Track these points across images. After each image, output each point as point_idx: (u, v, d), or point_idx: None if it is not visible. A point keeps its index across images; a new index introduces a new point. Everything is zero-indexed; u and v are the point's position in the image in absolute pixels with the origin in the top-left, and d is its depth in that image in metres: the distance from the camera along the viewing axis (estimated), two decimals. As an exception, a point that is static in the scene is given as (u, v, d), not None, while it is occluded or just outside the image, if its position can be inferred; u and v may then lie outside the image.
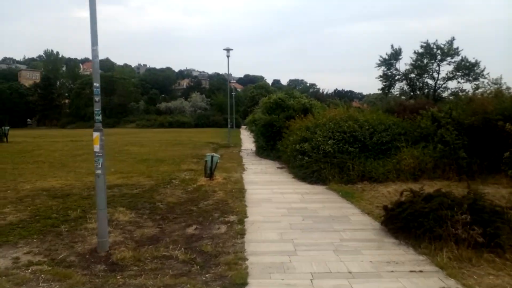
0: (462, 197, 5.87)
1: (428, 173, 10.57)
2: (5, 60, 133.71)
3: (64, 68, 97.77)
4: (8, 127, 23.89)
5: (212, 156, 10.40)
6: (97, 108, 5.24)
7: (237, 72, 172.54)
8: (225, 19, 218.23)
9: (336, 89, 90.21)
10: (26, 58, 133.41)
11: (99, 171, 5.23)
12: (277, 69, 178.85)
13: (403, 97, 22.38)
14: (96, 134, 5.18)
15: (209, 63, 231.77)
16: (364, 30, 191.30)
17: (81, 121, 69.04)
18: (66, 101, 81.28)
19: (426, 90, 23.20)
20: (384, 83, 24.67)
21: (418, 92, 23.35)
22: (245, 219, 6.66)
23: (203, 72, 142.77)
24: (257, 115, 18.46)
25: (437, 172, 10.55)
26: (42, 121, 79.63)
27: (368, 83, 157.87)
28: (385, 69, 24.22)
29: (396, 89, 24.43)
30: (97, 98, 5.22)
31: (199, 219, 6.69)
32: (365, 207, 7.65)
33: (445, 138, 10.67)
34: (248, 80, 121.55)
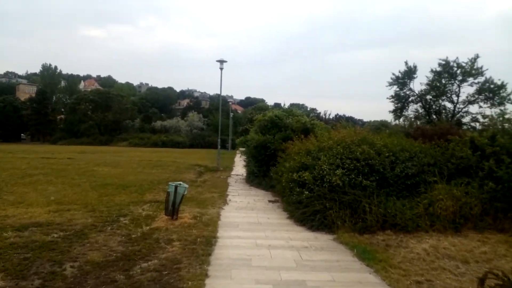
0: None
1: (473, 221, 7.67)
2: (6, 74, 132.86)
3: (63, 84, 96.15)
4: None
5: (176, 187, 7.51)
6: None
7: (239, 94, 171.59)
8: (231, 43, 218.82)
9: (337, 114, 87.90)
10: (29, 72, 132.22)
11: None
12: (278, 93, 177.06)
13: (418, 121, 19.72)
14: None
15: (211, 84, 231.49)
16: (367, 57, 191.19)
17: (73, 137, 66.47)
18: (62, 116, 78.69)
19: (444, 114, 20.55)
20: (396, 105, 21.97)
21: (434, 116, 20.67)
22: (195, 311, 3.73)
23: (205, 93, 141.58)
24: (249, 135, 15.68)
25: (486, 221, 7.65)
26: (36, 136, 77.05)
27: (368, 110, 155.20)
28: (397, 89, 21.63)
29: (410, 112, 21.78)
30: None
31: (114, 308, 3.76)
32: (399, 284, 4.71)
33: (497, 173, 7.83)
34: (249, 103, 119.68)
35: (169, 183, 7.71)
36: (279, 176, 11.03)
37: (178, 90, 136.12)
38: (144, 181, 13.32)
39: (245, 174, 17.21)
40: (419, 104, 21.51)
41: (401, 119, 21.64)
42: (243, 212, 9.18)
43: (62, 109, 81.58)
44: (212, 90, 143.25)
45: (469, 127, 19.56)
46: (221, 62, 21.25)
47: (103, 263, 5.06)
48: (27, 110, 74.15)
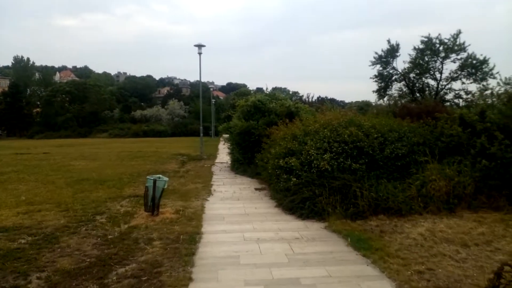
0: None
1: (467, 200, 7.44)
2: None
3: (38, 76, 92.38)
4: None
5: (155, 181, 6.98)
6: None
7: (220, 80, 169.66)
8: (211, 28, 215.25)
9: (320, 96, 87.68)
10: (0, 66, 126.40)
11: None
12: (260, 77, 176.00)
13: (402, 100, 19.49)
14: None
15: (192, 71, 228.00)
16: (348, 38, 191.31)
17: (50, 130, 64.28)
18: (38, 110, 75.64)
19: (428, 92, 20.39)
20: (379, 84, 21.65)
21: (418, 94, 20.48)
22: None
23: (185, 79, 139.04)
24: (232, 121, 15.15)
25: (480, 199, 7.43)
26: (12, 131, 73.94)
27: (349, 91, 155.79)
28: (380, 68, 21.27)
29: (393, 91, 21.49)
30: None
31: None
32: (400, 276, 4.37)
33: (490, 150, 7.58)
34: (231, 88, 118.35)
35: (147, 176, 7.18)
36: (265, 163, 10.62)
37: (157, 78, 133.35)
38: (123, 174, 12.70)
39: (229, 162, 16.75)
40: (403, 82, 21.22)
41: (385, 99, 21.41)
42: (228, 203, 8.73)
43: (38, 102, 78.45)
44: (192, 77, 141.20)
45: (453, 103, 19.47)
46: (199, 46, 20.45)
47: (75, 271, 4.54)
48: (1, 105, 71.07)
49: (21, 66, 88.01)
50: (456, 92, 20.24)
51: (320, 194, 7.47)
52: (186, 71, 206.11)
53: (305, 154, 8.32)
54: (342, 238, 5.91)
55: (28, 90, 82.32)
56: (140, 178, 11.89)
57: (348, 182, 7.58)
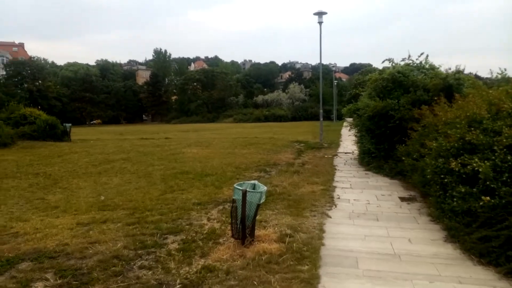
0: None
1: None
2: (129, 62, 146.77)
3: (175, 67, 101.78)
4: (70, 124, 21.55)
5: (245, 192, 4.39)
6: None
7: (343, 61, 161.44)
8: (334, 10, 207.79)
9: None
10: (147, 60, 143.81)
11: None
12: (387, 55, 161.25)
13: None
14: None
15: (313, 55, 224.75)
16: (485, 7, 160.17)
17: (184, 116, 69.41)
18: (176, 97, 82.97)
19: None
20: None
21: None
22: None
23: (306, 63, 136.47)
24: (360, 101, 11.74)
25: None
26: (155, 117, 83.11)
27: (492, 67, 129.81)
28: None
29: None
30: None
31: None
32: None
33: None
34: (354, 69, 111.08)
35: (235, 185, 4.63)
36: (415, 160, 7.18)
37: (280, 63, 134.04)
38: (229, 166, 10.68)
39: (356, 152, 13.48)
40: None
41: None
42: (362, 225, 5.65)
43: (174, 91, 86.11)
44: (314, 60, 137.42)
45: None
46: (320, 14, 17.32)
47: None
48: (144, 93, 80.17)
49: (160, 58, 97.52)
50: None
51: (551, 233, 3.85)
52: (307, 55, 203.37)
53: (501, 153, 4.71)
54: None
55: (166, 80, 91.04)
56: (246, 173, 9.68)
57: None
